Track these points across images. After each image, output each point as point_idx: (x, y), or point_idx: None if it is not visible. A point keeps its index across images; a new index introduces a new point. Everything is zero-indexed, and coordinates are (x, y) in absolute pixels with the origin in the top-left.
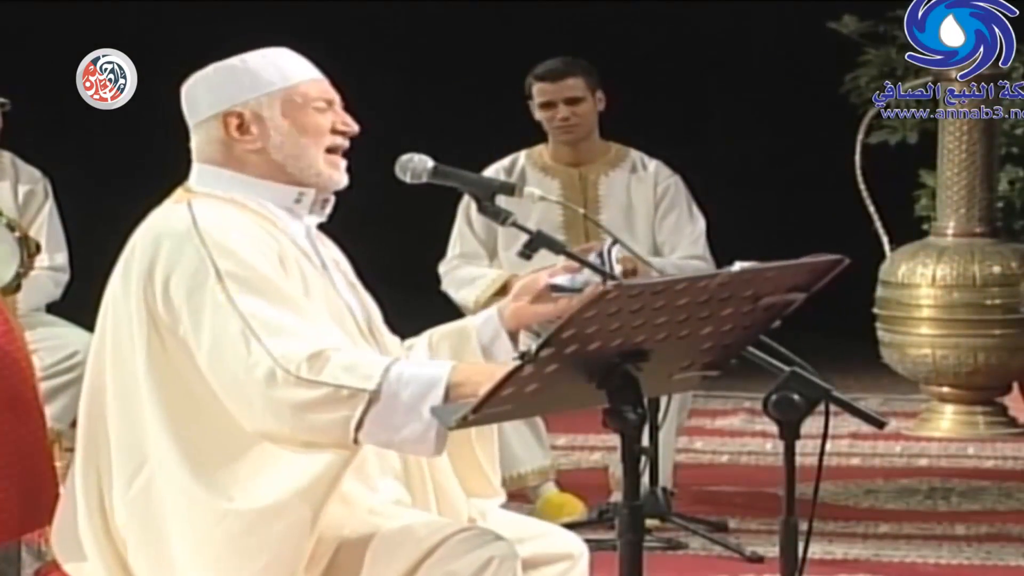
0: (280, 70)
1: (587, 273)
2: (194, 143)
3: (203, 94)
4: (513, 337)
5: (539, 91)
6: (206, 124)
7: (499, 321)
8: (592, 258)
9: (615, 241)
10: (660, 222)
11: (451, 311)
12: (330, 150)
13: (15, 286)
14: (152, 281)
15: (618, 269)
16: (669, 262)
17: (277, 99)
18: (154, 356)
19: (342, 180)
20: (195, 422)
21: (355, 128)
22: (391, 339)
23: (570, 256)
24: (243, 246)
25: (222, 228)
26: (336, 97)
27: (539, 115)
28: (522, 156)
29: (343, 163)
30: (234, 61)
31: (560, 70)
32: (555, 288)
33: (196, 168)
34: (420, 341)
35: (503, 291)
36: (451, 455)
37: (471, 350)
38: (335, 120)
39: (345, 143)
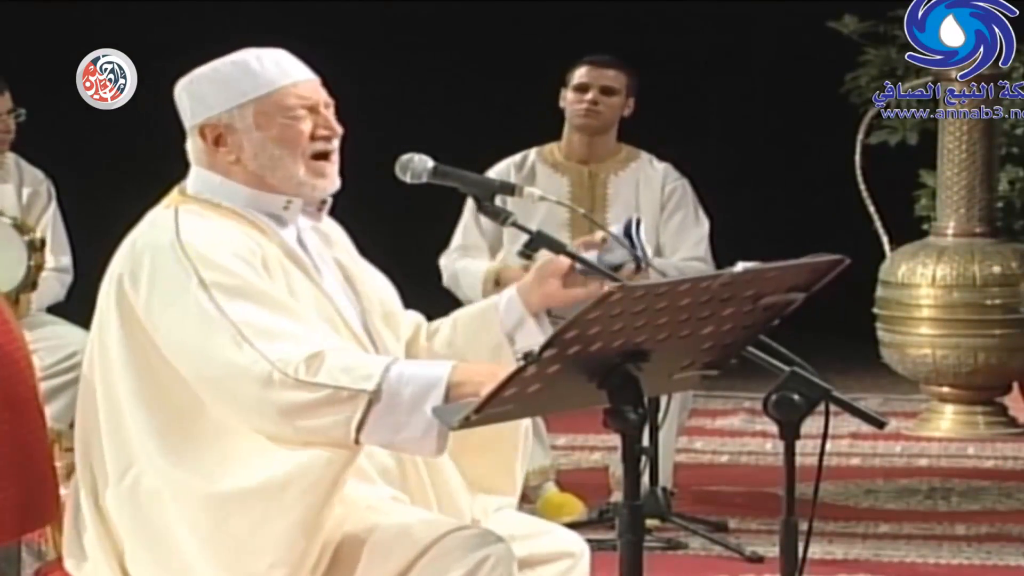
0: (254, 77)
1: (619, 252)
2: (187, 146)
3: (186, 104)
4: (537, 318)
5: (580, 74)
6: (190, 132)
7: (522, 306)
8: (616, 232)
9: (639, 220)
10: (665, 224)
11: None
12: (315, 156)
13: (32, 283)
14: (136, 290)
15: (649, 250)
16: (670, 263)
17: (249, 109)
18: (136, 360)
19: (329, 186)
20: (178, 425)
21: (338, 130)
22: (390, 338)
23: (570, 256)
24: (226, 255)
25: (204, 238)
26: (320, 99)
27: (568, 98)
28: (533, 153)
29: (330, 167)
30: (208, 71)
31: (608, 60)
32: (584, 268)
33: (192, 171)
34: (445, 323)
35: (498, 284)
36: (488, 451)
37: (494, 335)
38: (315, 125)
39: (329, 146)
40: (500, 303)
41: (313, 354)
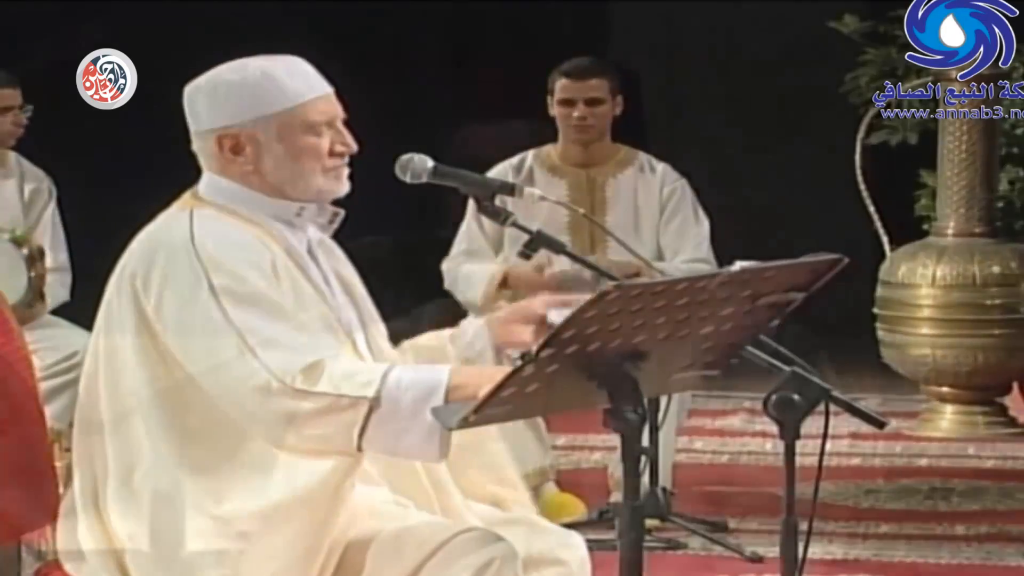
0: (281, 89)
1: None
2: (195, 148)
3: (202, 107)
4: (498, 354)
5: (561, 87)
6: (203, 136)
7: (487, 336)
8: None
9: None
10: (665, 225)
11: (456, 309)
12: (328, 168)
13: (39, 294)
14: (147, 290)
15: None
16: (674, 267)
17: (274, 122)
18: (148, 359)
19: (342, 189)
20: (190, 428)
21: (354, 147)
22: (391, 355)
23: (570, 256)
24: (238, 260)
25: (218, 242)
26: (338, 114)
27: (556, 111)
28: (530, 156)
29: (344, 171)
30: (234, 76)
31: (586, 69)
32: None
33: (205, 176)
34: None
35: (504, 284)
36: (479, 462)
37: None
38: (334, 141)
39: (343, 161)
40: (467, 334)
41: (312, 364)
